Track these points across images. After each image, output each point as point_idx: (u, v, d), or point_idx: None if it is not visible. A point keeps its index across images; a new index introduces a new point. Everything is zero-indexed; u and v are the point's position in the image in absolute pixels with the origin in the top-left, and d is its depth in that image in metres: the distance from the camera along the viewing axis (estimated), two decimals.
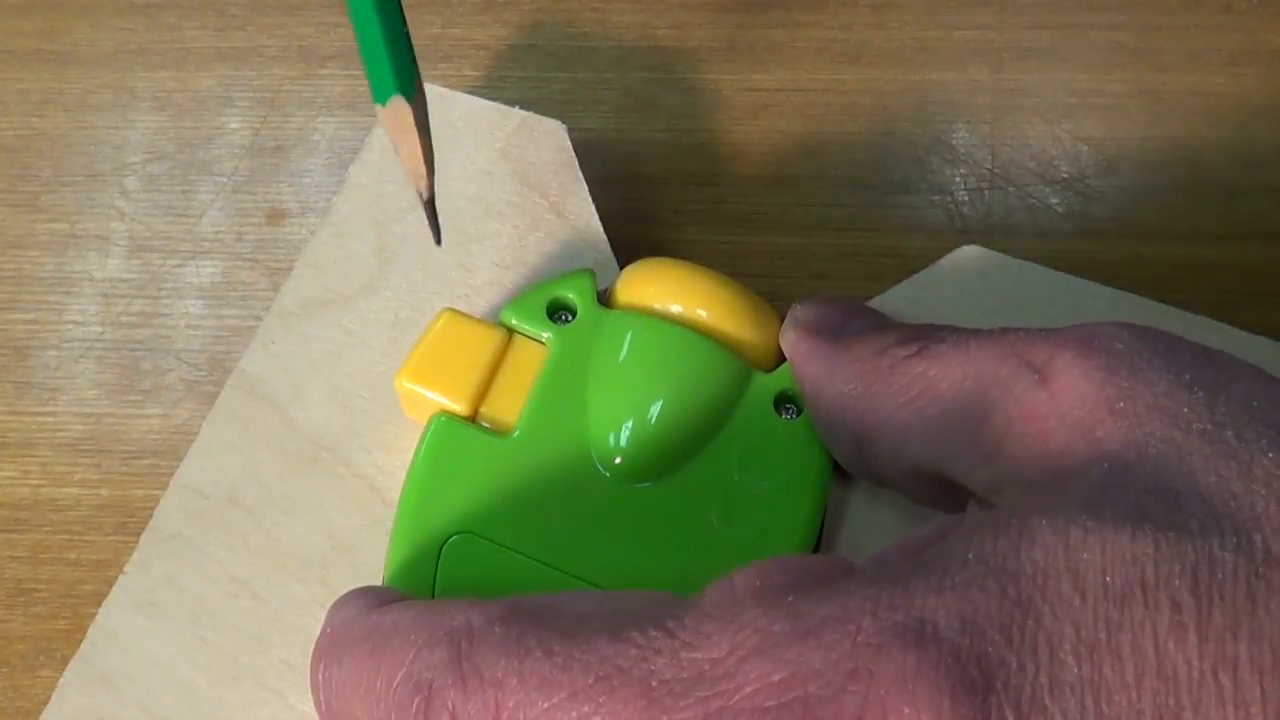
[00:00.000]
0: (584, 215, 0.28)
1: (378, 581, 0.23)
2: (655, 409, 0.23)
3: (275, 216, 0.32)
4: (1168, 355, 0.18)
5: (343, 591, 0.21)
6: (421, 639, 0.18)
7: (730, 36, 0.34)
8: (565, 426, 0.24)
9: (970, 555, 0.16)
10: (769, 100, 0.33)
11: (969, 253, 0.27)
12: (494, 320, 0.25)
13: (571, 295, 0.25)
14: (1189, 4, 0.34)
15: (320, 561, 0.24)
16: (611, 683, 0.16)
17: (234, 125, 0.33)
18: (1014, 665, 0.15)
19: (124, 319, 0.31)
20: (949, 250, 0.27)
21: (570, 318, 0.25)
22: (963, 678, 0.14)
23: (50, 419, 0.30)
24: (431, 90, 0.29)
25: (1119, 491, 0.16)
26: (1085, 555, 0.15)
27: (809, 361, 0.23)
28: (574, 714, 0.16)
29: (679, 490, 0.23)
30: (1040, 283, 0.27)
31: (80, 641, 0.24)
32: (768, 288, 0.30)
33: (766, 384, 0.24)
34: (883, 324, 0.23)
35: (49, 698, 0.23)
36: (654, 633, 0.16)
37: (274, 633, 0.24)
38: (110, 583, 0.25)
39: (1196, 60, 0.33)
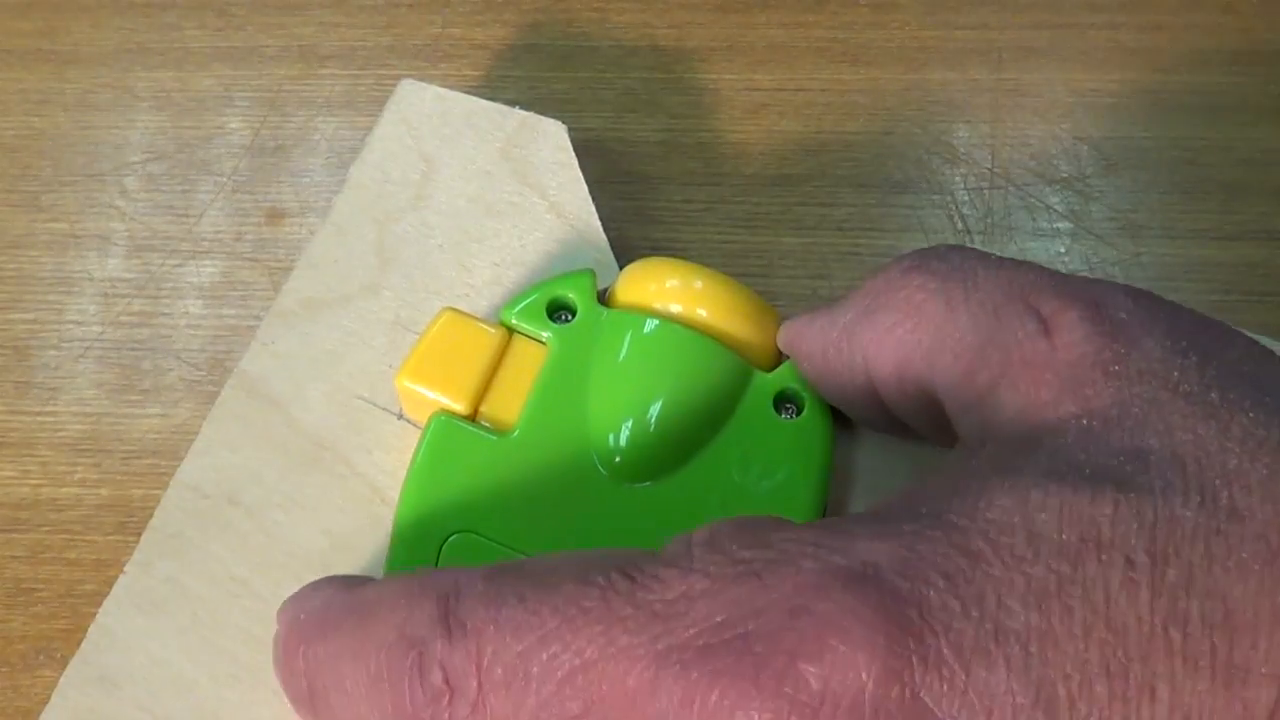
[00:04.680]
0: (584, 215, 0.28)
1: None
2: (655, 408, 0.23)
3: (275, 216, 0.32)
4: (1169, 322, 0.18)
5: None
6: (412, 601, 0.18)
7: (730, 36, 0.34)
8: (565, 426, 0.23)
9: (924, 510, 0.16)
10: (769, 100, 0.33)
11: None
12: (494, 320, 0.25)
13: (571, 295, 0.25)
14: (1189, 4, 0.34)
15: (320, 561, 0.24)
16: (575, 622, 0.17)
17: (234, 125, 0.33)
18: (957, 609, 0.15)
19: (124, 319, 0.31)
20: None
21: (570, 317, 0.25)
22: (900, 618, 0.15)
23: (50, 419, 0.30)
24: (431, 90, 0.29)
25: (1090, 451, 0.16)
26: (1042, 515, 0.15)
27: (808, 327, 0.23)
28: (544, 655, 0.17)
29: (679, 490, 0.23)
30: None
31: (80, 641, 0.24)
32: (768, 288, 0.30)
33: (766, 383, 0.24)
34: (842, 309, 0.23)
35: (49, 697, 0.23)
36: (615, 576, 0.17)
37: (273, 632, 0.24)
38: (110, 582, 0.25)
39: (1196, 60, 0.33)
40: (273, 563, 0.24)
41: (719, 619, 0.16)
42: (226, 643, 0.24)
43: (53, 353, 0.30)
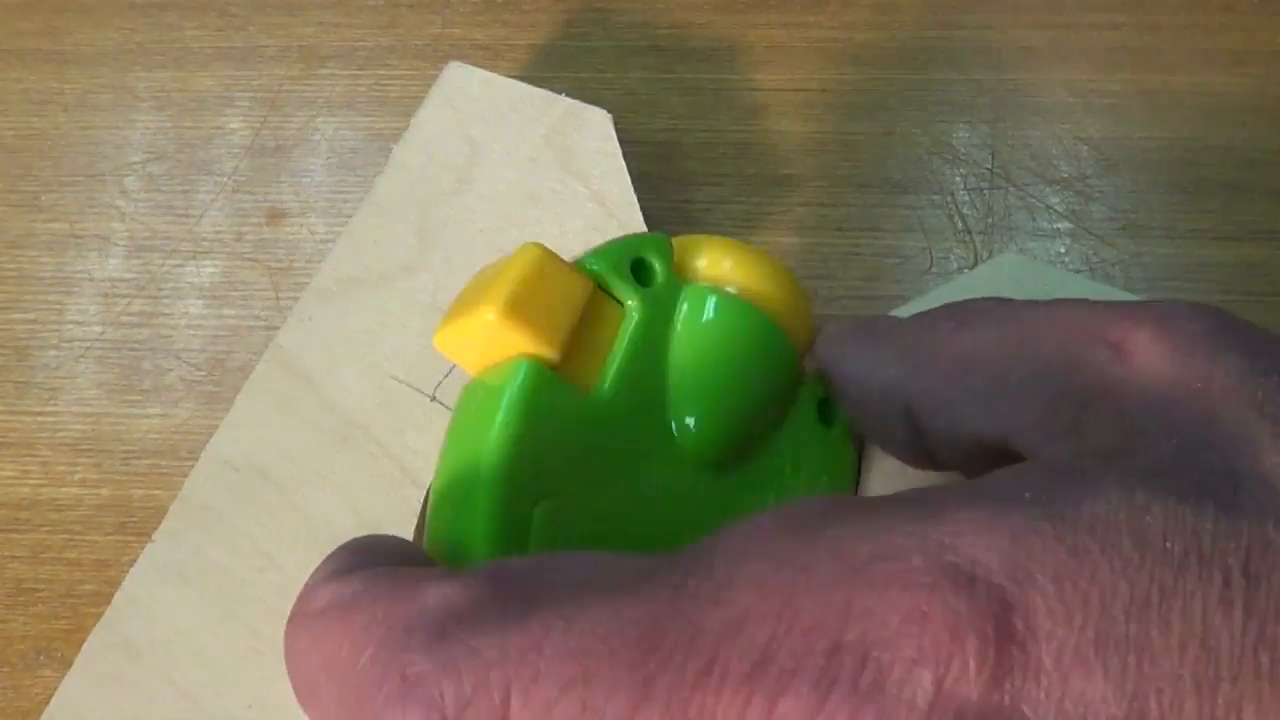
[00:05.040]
0: (626, 205, 0.28)
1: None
2: (736, 393, 0.22)
3: (275, 216, 0.32)
4: (1245, 339, 0.18)
5: None
6: (393, 619, 0.16)
7: (730, 36, 0.34)
8: (648, 396, 0.22)
9: (1027, 495, 0.16)
10: (769, 100, 0.33)
11: (1010, 260, 0.27)
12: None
13: (652, 258, 0.23)
14: (1189, 4, 0.34)
15: (347, 539, 0.24)
16: (641, 647, 0.14)
17: (234, 125, 0.33)
18: (1061, 615, 0.14)
19: (124, 319, 0.31)
20: (949, 250, 0.27)
21: (647, 281, 0.23)
22: (1008, 627, 0.14)
23: (50, 419, 0.29)
24: (478, 74, 0.29)
25: (1187, 466, 0.16)
26: (1148, 518, 0.15)
27: (850, 357, 0.22)
28: (605, 687, 0.14)
29: (741, 482, 0.22)
30: (1081, 292, 0.26)
31: (81, 641, 0.24)
32: None
33: (813, 386, 0.23)
34: (893, 326, 0.22)
35: (49, 698, 0.24)
36: (690, 582, 0.15)
37: None
38: (111, 582, 0.25)
39: (1197, 60, 0.33)
40: (300, 539, 0.24)
41: (826, 621, 0.14)
42: (250, 616, 0.24)
43: (53, 353, 0.30)
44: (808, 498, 0.17)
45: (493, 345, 0.21)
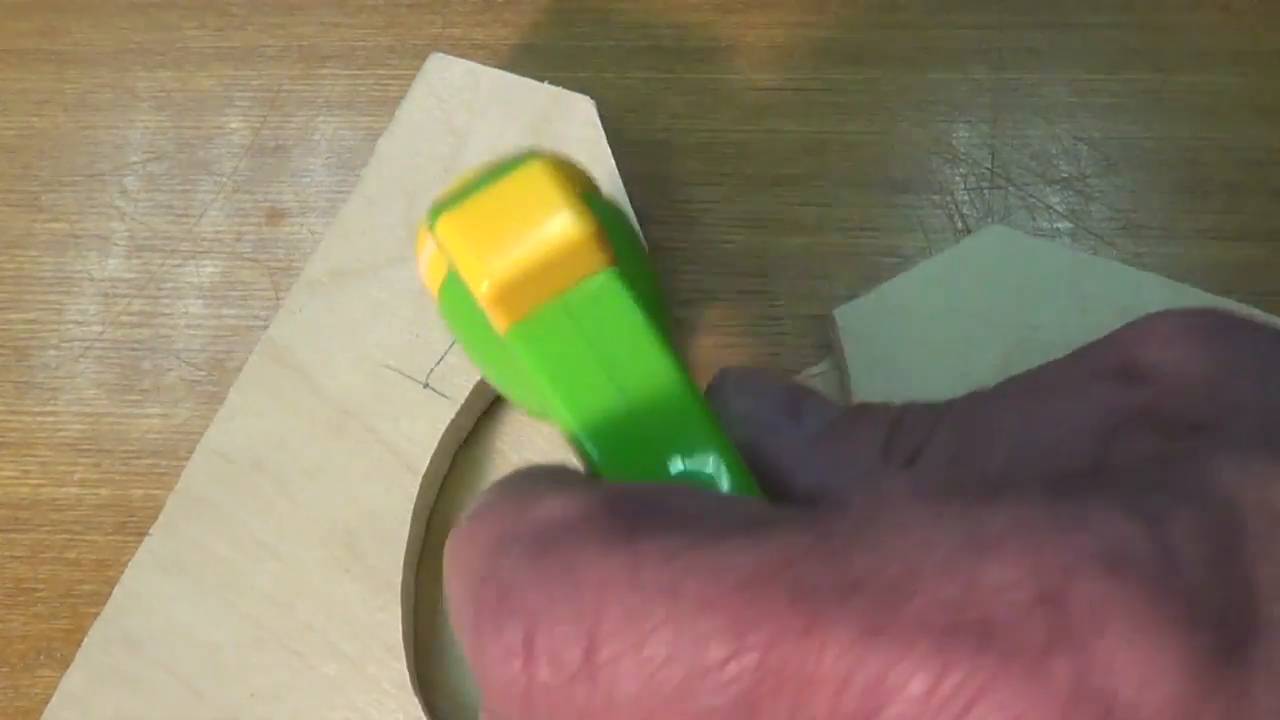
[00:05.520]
0: (611, 190, 0.28)
1: (399, 551, 0.23)
2: None
3: (275, 216, 0.32)
4: (1248, 325, 0.17)
5: (366, 557, 0.22)
6: (503, 528, 0.15)
7: (730, 36, 0.34)
8: None
9: (1154, 479, 0.15)
10: (769, 100, 0.33)
11: (995, 232, 0.27)
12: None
13: None
14: (1189, 4, 0.34)
15: (344, 527, 0.24)
16: (752, 590, 0.13)
17: (234, 125, 0.33)
18: (1215, 603, 0.13)
19: (124, 319, 0.31)
20: (949, 249, 0.27)
21: None
22: (1162, 611, 0.13)
23: (50, 419, 0.29)
24: (461, 64, 0.30)
25: (1276, 433, 0.15)
26: (1273, 488, 0.14)
27: (776, 436, 0.18)
28: (703, 626, 0.13)
29: None
30: (1065, 263, 0.27)
31: (81, 641, 0.24)
32: (767, 287, 0.30)
33: None
34: (834, 422, 0.18)
35: (49, 697, 0.24)
36: (805, 536, 0.14)
37: (297, 596, 0.24)
38: (110, 582, 0.25)
39: (1197, 60, 0.33)
40: (297, 528, 0.25)
41: (949, 594, 0.13)
42: (249, 606, 0.24)
43: (53, 353, 0.30)
44: (939, 470, 0.16)
45: (568, 267, 0.18)
